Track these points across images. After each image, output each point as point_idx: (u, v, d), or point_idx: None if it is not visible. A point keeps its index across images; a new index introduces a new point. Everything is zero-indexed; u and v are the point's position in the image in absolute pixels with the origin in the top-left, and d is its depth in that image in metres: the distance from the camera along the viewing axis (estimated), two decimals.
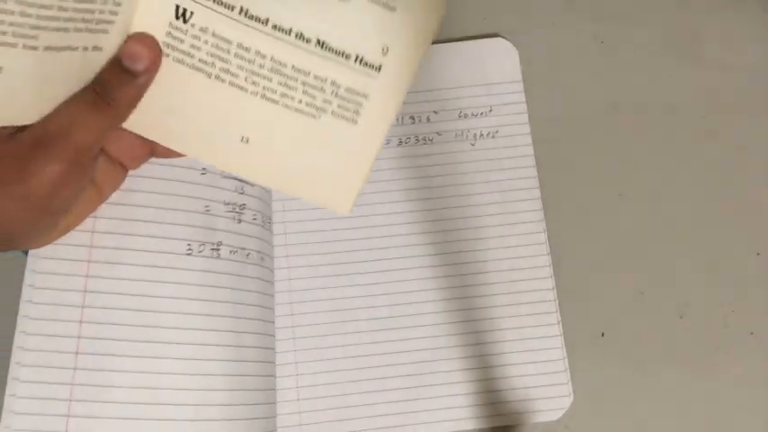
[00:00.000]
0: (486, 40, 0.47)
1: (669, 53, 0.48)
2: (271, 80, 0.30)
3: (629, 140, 0.46)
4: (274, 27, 0.30)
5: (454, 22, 0.48)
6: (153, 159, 0.34)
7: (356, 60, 0.30)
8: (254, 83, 0.30)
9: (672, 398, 0.42)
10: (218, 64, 0.30)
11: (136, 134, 0.32)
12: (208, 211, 0.35)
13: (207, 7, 0.29)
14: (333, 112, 0.31)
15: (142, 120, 0.31)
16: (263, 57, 0.30)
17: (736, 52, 0.48)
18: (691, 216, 0.45)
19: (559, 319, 0.43)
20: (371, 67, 0.30)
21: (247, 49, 0.30)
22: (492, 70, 0.46)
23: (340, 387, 0.41)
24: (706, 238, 0.45)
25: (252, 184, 0.37)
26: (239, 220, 0.35)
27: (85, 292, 0.33)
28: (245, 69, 0.30)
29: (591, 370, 0.43)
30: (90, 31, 0.28)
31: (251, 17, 0.30)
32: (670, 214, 0.45)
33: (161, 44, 0.30)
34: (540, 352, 0.42)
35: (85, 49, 0.28)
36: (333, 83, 0.31)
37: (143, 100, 0.30)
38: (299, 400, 0.41)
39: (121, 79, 0.29)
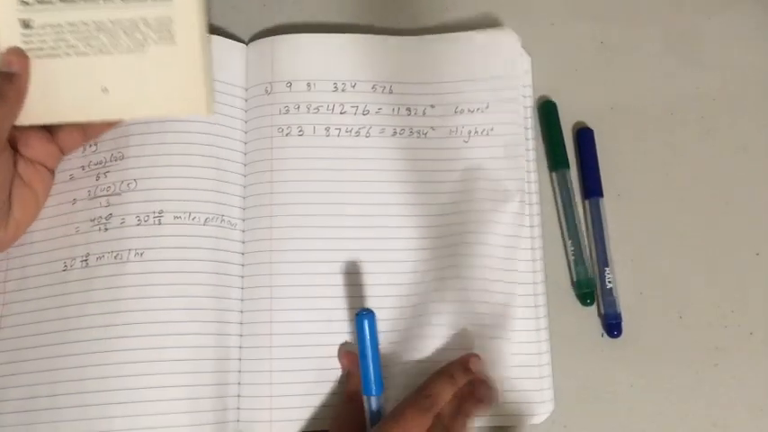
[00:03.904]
0: (490, 30, 0.46)
1: (669, 53, 0.48)
2: (100, 38, 0.41)
3: (629, 140, 0.46)
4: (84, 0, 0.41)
5: (453, 21, 0.48)
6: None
7: None
8: (90, 45, 0.41)
9: (672, 398, 0.42)
10: (62, 44, 0.41)
11: (40, 136, 0.42)
12: (77, 231, 0.42)
13: (37, 9, 0.40)
14: (154, 41, 0.41)
15: (31, 112, 0.41)
16: (87, 24, 0.40)
17: (736, 52, 0.48)
18: (690, 216, 0.45)
19: (546, 324, 0.43)
20: None
21: (74, 24, 0.40)
22: (493, 64, 0.45)
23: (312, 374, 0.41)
24: (705, 238, 0.45)
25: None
26: (105, 229, 0.42)
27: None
28: (80, 39, 0.41)
29: (591, 370, 0.43)
30: None
31: (65, 1, 0.40)
32: (670, 214, 0.45)
33: (24, 49, 0.40)
34: (524, 356, 0.42)
35: None
36: (143, 19, 0.40)
37: (27, 96, 0.41)
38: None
39: (6, 81, 0.40)
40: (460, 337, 0.42)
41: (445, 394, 0.38)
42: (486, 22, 0.48)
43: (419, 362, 0.41)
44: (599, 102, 0.47)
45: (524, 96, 0.46)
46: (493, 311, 0.42)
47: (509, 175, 0.44)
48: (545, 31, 0.48)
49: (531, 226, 0.44)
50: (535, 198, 0.44)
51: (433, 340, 0.42)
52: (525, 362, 0.42)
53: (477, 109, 0.45)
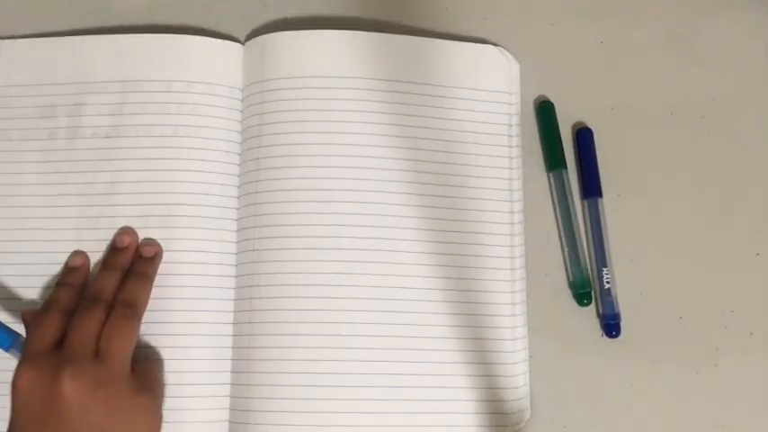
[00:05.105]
0: (482, 45, 0.47)
1: (669, 53, 0.48)
2: None
3: (629, 140, 0.46)
4: None
5: (454, 21, 0.48)
6: None
7: None
8: None
9: (672, 398, 0.42)
10: None
11: None
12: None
13: None
14: None
15: None
16: None
17: (736, 52, 0.48)
18: (690, 216, 0.45)
19: (525, 333, 0.43)
20: None
21: None
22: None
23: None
24: (705, 238, 0.45)
25: None
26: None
27: None
28: None
29: (590, 370, 0.43)
30: None
31: None
32: (670, 214, 0.45)
33: None
34: (502, 366, 0.42)
35: None
36: None
37: None
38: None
39: None
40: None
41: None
42: (487, 23, 0.48)
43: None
44: (599, 102, 0.47)
45: (510, 104, 0.46)
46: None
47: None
48: (545, 31, 0.48)
49: (512, 234, 0.44)
50: (518, 206, 0.44)
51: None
52: (501, 371, 0.42)
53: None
